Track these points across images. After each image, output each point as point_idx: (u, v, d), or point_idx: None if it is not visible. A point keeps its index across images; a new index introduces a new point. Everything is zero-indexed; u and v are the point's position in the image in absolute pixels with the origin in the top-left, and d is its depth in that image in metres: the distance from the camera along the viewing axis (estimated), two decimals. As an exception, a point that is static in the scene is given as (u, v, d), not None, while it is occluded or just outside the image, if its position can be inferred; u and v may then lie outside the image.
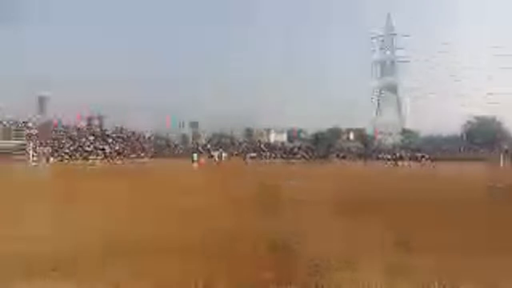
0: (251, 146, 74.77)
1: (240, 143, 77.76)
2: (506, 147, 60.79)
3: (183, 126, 79.30)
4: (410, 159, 62.85)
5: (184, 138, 78.76)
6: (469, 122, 77.47)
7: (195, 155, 40.61)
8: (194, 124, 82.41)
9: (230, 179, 21.71)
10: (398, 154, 68.55)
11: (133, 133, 66.92)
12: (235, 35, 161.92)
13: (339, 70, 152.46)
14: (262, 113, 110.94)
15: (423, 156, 65.24)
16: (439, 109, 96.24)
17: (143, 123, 72.93)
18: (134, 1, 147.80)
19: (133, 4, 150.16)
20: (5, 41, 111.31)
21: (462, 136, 77.92)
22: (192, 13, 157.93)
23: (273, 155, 68.95)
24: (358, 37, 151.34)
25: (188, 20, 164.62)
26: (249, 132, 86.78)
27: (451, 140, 77.70)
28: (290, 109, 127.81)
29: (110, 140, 59.59)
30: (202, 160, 44.30)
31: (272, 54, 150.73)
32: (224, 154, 58.36)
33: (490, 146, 64.06)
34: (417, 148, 75.90)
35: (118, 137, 62.77)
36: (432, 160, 60.44)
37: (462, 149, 68.89)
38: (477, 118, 75.23)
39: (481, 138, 69.48)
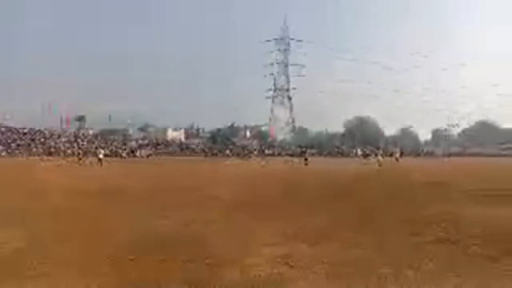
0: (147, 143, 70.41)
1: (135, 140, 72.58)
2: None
3: (66, 121, 68.90)
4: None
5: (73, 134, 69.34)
6: (349, 121, 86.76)
7: (101, 151, 36.64)
8: (81, 118, 72.82)
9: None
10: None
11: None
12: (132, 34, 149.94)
13: (235, 70, 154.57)
14: (158, 111, 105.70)
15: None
16: (327, 108, 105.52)
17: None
18: None
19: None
20: None
21: (344, 134, 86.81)
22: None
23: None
24: (253, 39, 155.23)
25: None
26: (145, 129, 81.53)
27: (335, 137, 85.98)
28: (187, 107, 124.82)
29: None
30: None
31: (170, 54, 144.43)
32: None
33: (367, 144, 72.87)
34: (307, 145, 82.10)
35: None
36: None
37: (343, 146, 77.02)
38: (356, 117, 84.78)
39: (359, 136, 78.50)
